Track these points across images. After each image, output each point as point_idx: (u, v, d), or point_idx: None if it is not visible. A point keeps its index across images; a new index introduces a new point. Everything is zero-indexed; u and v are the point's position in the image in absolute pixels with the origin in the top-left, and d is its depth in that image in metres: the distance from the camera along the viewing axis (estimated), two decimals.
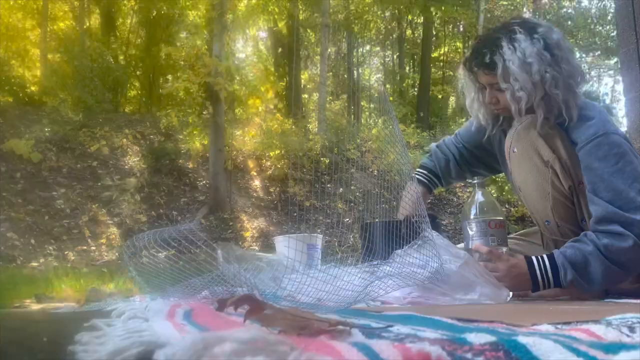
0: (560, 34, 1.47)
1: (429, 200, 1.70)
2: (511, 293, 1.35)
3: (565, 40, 1.48)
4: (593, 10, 18.12)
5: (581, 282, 1.32)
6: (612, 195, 1.31)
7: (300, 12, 14.93)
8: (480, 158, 1.82)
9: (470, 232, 1.49)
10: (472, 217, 1.50)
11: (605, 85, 20.11)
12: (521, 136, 1.49)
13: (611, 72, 17.92)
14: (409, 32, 18.62)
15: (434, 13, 15.86)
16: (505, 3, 16.00)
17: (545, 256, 1.37)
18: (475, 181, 1.55)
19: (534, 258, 1.38)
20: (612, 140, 1.36)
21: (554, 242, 1.54)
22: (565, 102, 1.41)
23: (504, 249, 1.49)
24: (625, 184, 1.31)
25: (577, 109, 1.42)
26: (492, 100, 1.52)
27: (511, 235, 1.85)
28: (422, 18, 16.92)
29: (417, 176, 1.82)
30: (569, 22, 17.85)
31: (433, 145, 1.94)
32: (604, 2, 17.23)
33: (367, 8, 16.65)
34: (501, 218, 1.51)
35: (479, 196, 1.52)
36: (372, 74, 20.54)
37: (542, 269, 1.35)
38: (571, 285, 1.33)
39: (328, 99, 14.85)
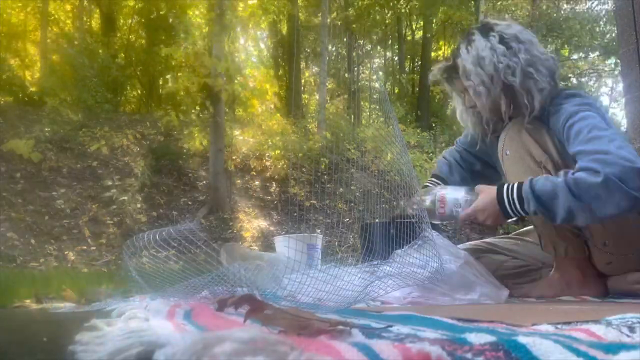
0: (520, 27, 1.53)
1: None
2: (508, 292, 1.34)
3: (526, 33, 1.52)
4: (593, 10, 18.12)
5: (545, 212, 1.31)
6: (600, 143, 1.30)
7: (301, 12, 14.93)
8: (479, 157, 1.86)
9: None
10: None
11: (606, 85, 20.11)
12: (513, 139, 1.51)
13: (611, 72, 17.92)
14: (408, 32, 18.62)
15: (434, 13, 15.86)
16: (505, 3, 15.99)
17: (514, 185, 1.38)
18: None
19: (504, 186, 1.41)
20: (593, 107, 1.38)
21: (551, 242, 1.54)
22: (526, 90, 1.44)
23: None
24: (611, 135, 1.30)
25: (543, 97, 1.44)
26: (470, 104, 1.58)
27: (509, 235, 1.85)
28: (422, 18, 16.92)
29: (426, 184, 1.87)
30: (568, 23, 17.86)
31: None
32: (603, 3, 17.24)
33: (367, 9, 16.65)
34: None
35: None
36: (371, 74, 20.55)
37: (509, 197, 1.37)
38: (535, 214, 1.35)
39: (328, 99, 14.85)
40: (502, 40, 1.47)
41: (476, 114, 1.64)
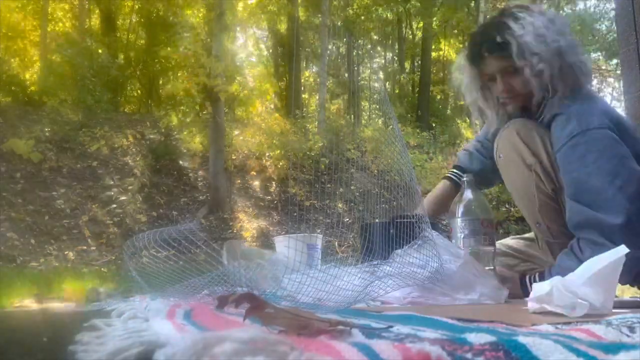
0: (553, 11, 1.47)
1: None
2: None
3: (558, 17, 1.48)
4: (594, 11, 18.12)
5: None
6: (590, 197, 1.28)
7: (301, 12, 14.93)
8: None
9: (461, 231, 1.48)
10: (463, 215, 1.49)
11: (606, 85, 20.10)
12: (505, 142, 1.49)
13: (612, 72, 17.93)
14: (408, 32, 18.62)
15: (433, 14, 15.87)
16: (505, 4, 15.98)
17: (536, 276, 1.37)
18: (464, 179, 1.55)
19: (526, 278, 1.39)
20: (590, 137, 1.30)
21: (547, 244, 1.54)
22: (579, 68, 1.40)
23: (492, 249, 1.49)
24: (603, 183, 1.26)
25: (573, 85, 1.40)
26: (506, 87, 1.47)
27: (522, 236, 1.85)
28: (422, 18, 16.93)
29: (447, 175, 1.84)
30: (570, 23, 17.85)
31: None
32: (603, 3, 17.24)
33: (367, 9, 16.65)
34: (492, 217, 1.51)
35: (468, 194, 1.51)
36: (371, 74, 20.55)
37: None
38: None
39: (328, 99, 14.85)
40: (550, 20, 1.42)
41: (503, 99, 1.53)
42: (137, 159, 10.19)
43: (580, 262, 1.24)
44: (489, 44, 1.44)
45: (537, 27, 1.38)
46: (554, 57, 1.38)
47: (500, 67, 1.46)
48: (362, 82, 19.14)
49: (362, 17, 16.75)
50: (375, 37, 18.89)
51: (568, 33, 1.42)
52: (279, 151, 10.95)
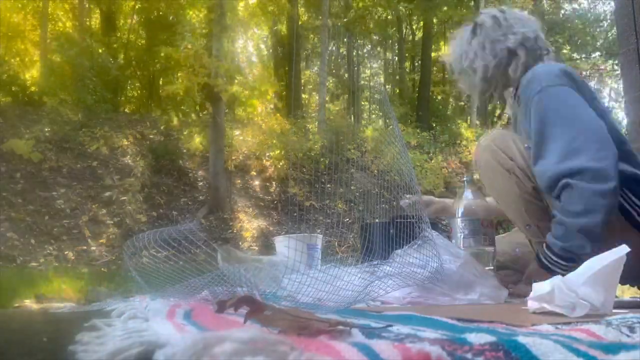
0: (507, 9, 1.61)
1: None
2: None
3: (514, 12, 1.60)
4: (594, 11, 18.12)
5: (577, 251, 1.29)
6: (554, 148, 1.30)
7: (301, 12, 14.93)
8: None
9: (461, 231, 1.48)
10: (463, 215, 1.49)
11: (606, 85, 20.11)
12: (483, 152, 1.54)
13: (613, 72, 17.93)
14: (409, 32, 18.63)
15: (433, 14, 15.87)
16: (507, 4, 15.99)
17: (546, 250, 1.37)
18: (464, 179, 1.55)
19: (540, 256, 1.39)
20: (552, 93, 1.35)
21: (540, 245, 1.54)
22: (518, 61, 1.51)
23: (492, 249, 1.49)
24: (567, 132, 1.29)
25: (524, 68, 1.49)
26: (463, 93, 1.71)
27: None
28: (422, 19, 16.93)
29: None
30: (569, 24, 17.86)
31: None
32: (604, 3, 17.24)
33: (367, 9, 16.66)
34: (492, 217, 1.51)
35: (468, 194, 1.52)
36: (372, 74, 20.55)
37: (551, 261, 1.35)
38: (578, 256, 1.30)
39: (328, 99, 14.86)
40: (480, 26, 1.57)
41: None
42: (137, 159, 10.19)
43: (562, 216, 1.27)
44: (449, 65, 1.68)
45: (462, 47, 1.58)
46: (478, 68, 1.55)
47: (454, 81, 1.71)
48: (363, 82, 19.14)
49: (363, 17, 16.75)
50: (375, 37, 18.89)
51: (508, 32, 1.53)
52: (279, 151, 10.96)
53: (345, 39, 17.66)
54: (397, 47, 18.78)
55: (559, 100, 1.33)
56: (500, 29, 1.54)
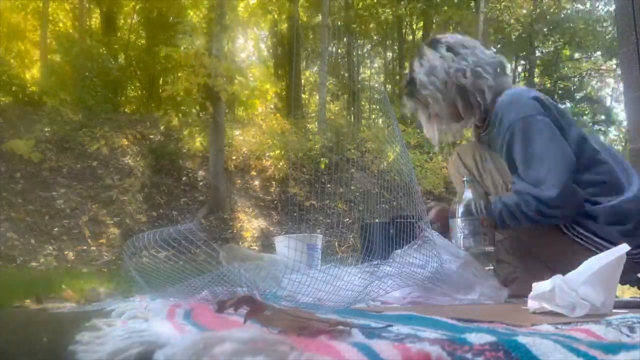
0: (464, 36, 1.71)
1: None
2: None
3: (471, 40, 1.70)
4: (595, 11, 18.11)
5: (498, 218, 1.51)
6: (530, 176, 1.46)
7: (301, 12, 14.93)
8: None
9: (461, 231, 1.48)
10: (463, 215, 1.49)
11: (606, 85, 20.10)
12: (450, 165, 1.76)
13: (613, 72, 17.92)
14: (409, 32, 18.62)
15: (433, 15, 15.86)
16: (507, 4, 15.97)
17: (494, 201, 1.55)
18: (464, 179, 1.55)
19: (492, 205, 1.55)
20: (525, 124, 1.48)
21: (504, 242, 1.68)
22: (478, 88, 1.59)
23: (492, 249, 1.50)
24: (539, 163, 1.45)
25: (493, 94, 1.59)
26: (434, 112, 1.70)
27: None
28: (422, 19, 16.93)
29: None
30: (570, 24, 17.85)
31: None
32: (604, 3, 17.23)
33: (367, 9, 16.65)
34: (492, 217, 1.51)
35: (468, 194, 1.52)
36: (372, 74, 20.54)
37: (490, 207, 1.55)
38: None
39: (328, 99, 14.85)
40: (450, 48, 1.63)
41: (440, 123, 1.77)
42: (137, 159, 10.19)
43: (512, 207, 1.47)
44: (406, 85, 1.74)
45: (431, 60, 1.63)
46: (447, 83, 1.61)
47: (423, 100, 1.69)
48: (364, 82, 19.13)
49: (363, 17, 16.74)
50: (375, 37, 18.89)
51: (471, 54, 1.62)
52: (279, 151, 10.95)
53: (345, 39, 17.65)
54: (397, 47, 18.77)
55: (536, 131, 1.47)
56: (458, 57, 1.64)
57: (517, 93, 1.56)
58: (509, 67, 1.69)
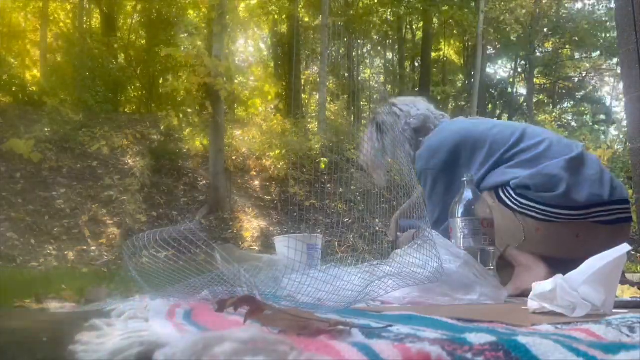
0: (396, 99, 2.06)
1: None
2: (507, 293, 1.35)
3: (394, 115, 1.99)
4: (595, 10, 18.10)
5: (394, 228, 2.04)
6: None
7: (301, 12, 14.93)
8: None
9: (461, 231, 1.48)
10: (463, 215, 1.49)
11: (605, 85, 20.11)
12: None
13: (613, 72, 17.92)
14: (408, 32, 18.62)
15: (433, 15, 15.86)
16: (508, 4, 15.97)
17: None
18: (464, 179, 1.55)
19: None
20: (423, 175, 1.84)
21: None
22: (409, 142, 1.95)
23: (492, 249, 1.49)
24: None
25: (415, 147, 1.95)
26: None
27: None
28: (422, 19, 16.93)
29: None
30: (570, 23, 17.85)
31: None
32: (604, 3, 17.22)
33: (367, 9, 16.64)
34: (492, 217, 1.51)
35: (468, 194, 1.52)
36: (372, 74, 20.54)
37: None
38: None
39: (328, 99, 14.85)
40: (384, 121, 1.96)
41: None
42: (137, 159, 10.19)
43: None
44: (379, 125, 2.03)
45: (370, 136, 2.00)
46: (380, 152, 1.93)
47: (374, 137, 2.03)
48: (364, 82, 19.11)
49: (363, 18, 16.74)
50: (375, 37, 18.88)
51: (396, 123, 1.94)
52: (279, 151, 10.95)
53: (345, 39, 17.64)
54: (397, 47, 18.77)
55: (428, 183, 1.82)
56: (400, 120, 1.97)
57: (432, 140, 1.87)
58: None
